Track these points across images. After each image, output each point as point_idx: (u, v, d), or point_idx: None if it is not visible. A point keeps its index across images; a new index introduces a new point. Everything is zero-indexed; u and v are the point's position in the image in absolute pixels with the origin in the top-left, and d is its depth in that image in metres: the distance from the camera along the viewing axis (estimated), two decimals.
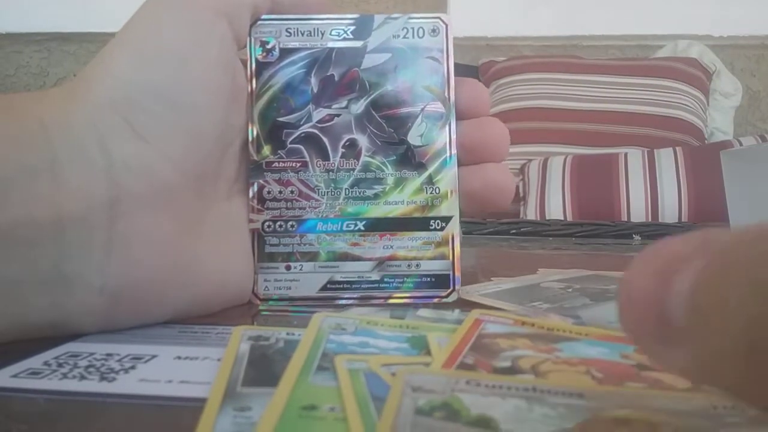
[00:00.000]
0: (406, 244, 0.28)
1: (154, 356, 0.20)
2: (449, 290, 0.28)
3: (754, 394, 0.10)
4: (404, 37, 0.29)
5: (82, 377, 0.18)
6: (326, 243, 0.28)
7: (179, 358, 0.20)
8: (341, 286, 0.28)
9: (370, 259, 0.28)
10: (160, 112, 0.23)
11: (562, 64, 1.63)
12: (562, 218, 1.29)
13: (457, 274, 0.28)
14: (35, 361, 0.20)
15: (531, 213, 1.39)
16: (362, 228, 0.28)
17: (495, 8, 1.82)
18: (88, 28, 1.87)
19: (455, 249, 0.28)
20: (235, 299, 0.28)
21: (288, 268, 0.28)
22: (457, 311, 0.27)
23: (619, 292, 0.12)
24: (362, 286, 0.28)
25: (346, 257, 0.28)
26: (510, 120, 1.58)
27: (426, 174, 0.28)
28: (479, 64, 1.74)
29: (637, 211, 1.23)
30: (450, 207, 0.28)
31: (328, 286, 0.28)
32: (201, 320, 0.25)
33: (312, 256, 0.28)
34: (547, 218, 1.29)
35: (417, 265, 0.28)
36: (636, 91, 1.55)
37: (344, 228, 0.28)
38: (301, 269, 0.28)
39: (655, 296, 0.11)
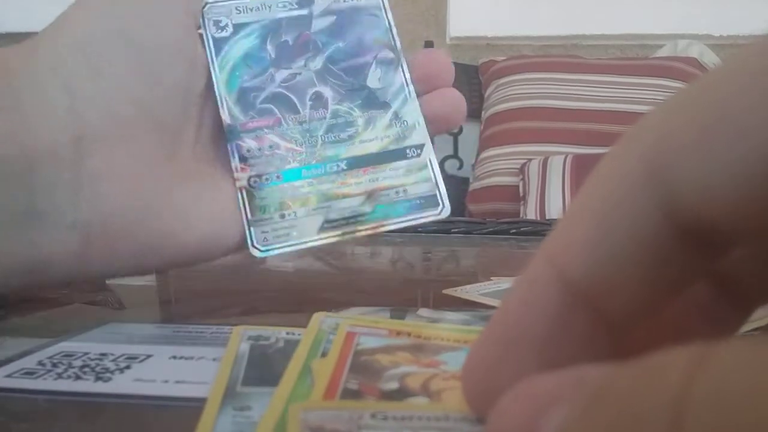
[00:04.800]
0: (389, 174, 0.30)
1: (148, 356, 0.20)
2: (440, 207, 0.30)
3: None
4: (344, 1, 0.31)
5: (77, 377, 0.18)
6: (314, 187, 0.29)
7: (174, 357, 0.20)
8: (337, 223, 0.29)
9: (359, 194, 0.29)
10: (120, 52, 0.25)
11: (562, 63, 1.63)
12: None
13: (443, 192, 0.30)
14: (29, 361, 0.19)
15: (531, 213, 1.39)
16: (345, 167, 0.30)
17: (495, 8, 1.82)
18: None
19: (435, 171, 0.30)
20: (205, 249, 0.28)
21: (282, 216, 0.29)
22: (457, 312, 0.26)
23: (487, 425, 0.11)
24: (357, 219, 0.29)
25: (336, 196, 0.29)
26: (510, 120, 1.58)
27: (391, 110, 0.30)
28: (479, 64, 1.74)
29: None
30: (420, 135, 0.30)
31: (325, 225, 0.29)
32: (196, 320, 0.25)
33: (304, 201, 0.29)
34: (547, 218, 1.28)
35: (404, 191, 0.30)
36: (636, 90, 1.55)
37: (328, 170, 0.29)
38: (295, 216, 0.29)
39: None
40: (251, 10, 0.31)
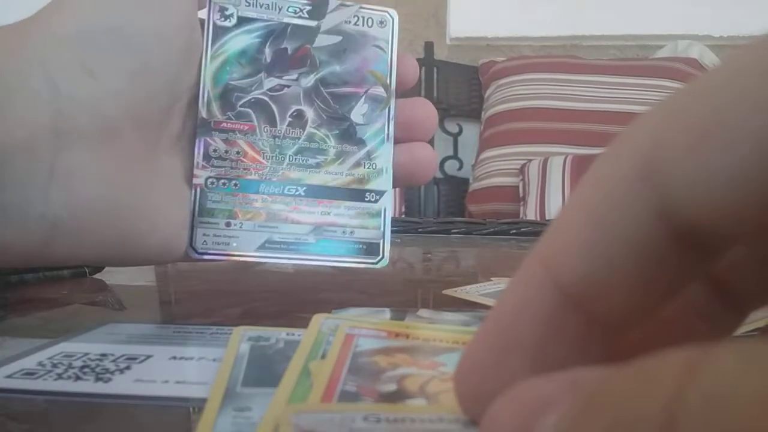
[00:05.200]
0: (342, 212, 0.30)
1: (148, 356, 0.20)
2: (379, 258, 0.30)
3: None
4: (355, 24, 0.31)
5: (78, 378, 0.18)
6: (267, 204, 0.29)
7: (174, 358, 0.20)
8: (278, 246, 0.29)
9: (307, 223, 0.29)
10: (111, 50, 0.24)
11: (562, 64, 1.63)
12: None
13: (387, 244, 0.30)
14: (29, 362, 0.19)
15: (531, 213, 1.39)
16: (302, 193, 0.29)
17: (495, 8, 1.82)
18: None
19: (387, 221, 0.30)
20: (164, 252, 0.28)
21: (228, 224, 0.29)
22: (457, 313, 0.26)
23: (480, 429, 0.11)
24: (299, 248, 0.29)
25: (285, 219, 0.29)
26: (510, 120, 1.58)
27: (365, 150, 0.30)
28: (479, 64, 1.74)
29: None
30: (384, 182, 0.30)
31: (266, 245, 0.29)
32: (196, 320, 0.25)
33: (252, 216, 0.29)
34: (547, 218, 1.28)
35: (351, 233, 0.30)
36: (636, 91, 1.55)
37: (285, 192, 0.29)
38: (240, 227, 0.29)
39: None
40: (261, 6, 0.30)
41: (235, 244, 0.29)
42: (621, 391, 0.09)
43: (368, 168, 0.30)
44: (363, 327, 0.22)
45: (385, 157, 0.30)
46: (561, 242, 0.12)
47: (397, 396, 0.17)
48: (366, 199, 0.30)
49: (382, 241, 0.30)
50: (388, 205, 0.30)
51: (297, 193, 0.29)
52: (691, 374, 0.08)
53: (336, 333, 0.21)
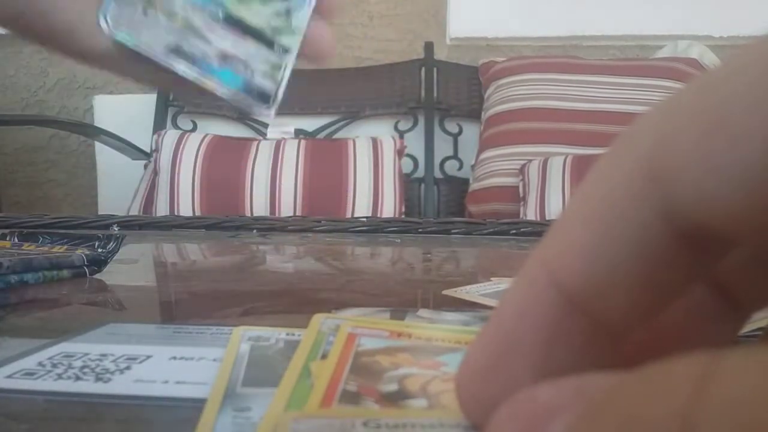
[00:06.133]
0: (250, 51, 0.31)
1: (148, 356, 0.20)
2: (268, 107, 0.32)
3: None
4: None
5: (78, 378, 0.18)
6: (188, 12, 0.30)
7: (174, 358, 0.20)
8: (185, 56, 0.30)
9: (217, 47, 0.31)
10: None
11: (562, 64, 1.63)
12: None
13: (279, 98, 0.32)
14: (29, 362, 0.19)
15: (531, 213, 1.39)
16: (221, 18, 0.31)
17: (495, 8, 1.82)
18: None
19: (285, 78, 0.32)
20: (77, 21, 0.28)
21: (145, 13, 0.30)
22: (457, 313, 0.26)
23: None
24: (203, 66, 0.30)
25: (199, 34, 0.30)
26: (510, 120, 1.58)
27: (288, 3, 0.32)
28: (479, 65, 1.74)
29: None
30: (293, 41, 0.32)
31: (174, 49, 0.30)
32: (196, 320, 0.25)
33: (170, 16, 0.30)
34: (548, 218, 1.28)
35: (252, 73, 0.31)
36: (636, 91, 1.55)
37: (207, 10, 0.30)
38: (156, 21, 0.30)
39: None
40: None
41: (146, 37, 0.29)
42: (634, 396, 0.09)
43: (284, 21, 0.32)
44: (365, 327, 0.22)
45: (302, 19, 0.32)
46: (562, 244, 0.12)
47: (399, 396, 0.17)
48: (274, 49, 0.31)
49: (275, 93, 0.32)
50: (290, 63, 0.32)
51: (216, 16, 0.31)
52: (707, 379, 0.08)
53: (338, 332, 0.21)
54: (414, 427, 0.14)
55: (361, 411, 0.16)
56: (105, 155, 1.73)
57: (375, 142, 1.56)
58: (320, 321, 0.22)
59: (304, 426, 0.14)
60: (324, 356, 0.19)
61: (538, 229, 0.64)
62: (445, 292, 0.32)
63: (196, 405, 0.16)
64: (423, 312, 0.26)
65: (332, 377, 0.18)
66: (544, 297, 0.12)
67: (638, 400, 0.09)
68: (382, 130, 1.68)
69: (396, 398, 0.17)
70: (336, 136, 1.69)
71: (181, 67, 0.30)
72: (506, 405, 0.11)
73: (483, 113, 1.69)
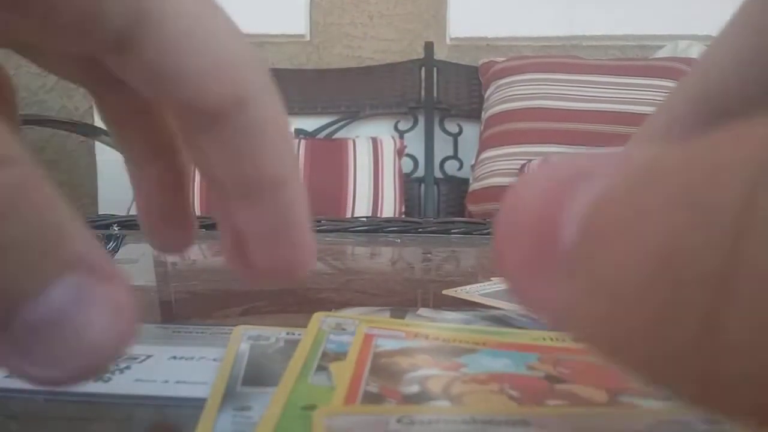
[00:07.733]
0: None
1: (149, 356, 0.20)
2: None
3: (666, 371, 0.07)
4: None
5: None
6: None
7: (174, 358, 0.20)
8: None
9: None
10: None
11: (561, 64, 1.63)
12: None
13: None
14: None
15: None
16: None
17: (495, 8, 1.82)
18: None
19: None
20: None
21: None
22: (457, 312, 0.26)
23: (499, 211, 0.09)
24: None
25: None
26: (510, 120, 1.58)
27: None
28: (479, 64, 1.74)
29: None
30: None
31: None
32: (196, 320, 0.25)
33: None
34: None
35: None
36: (636, 91, 1.54)
37: None
38: None
39: (543, 214, 0.08)
40: None
41: None
42: (696, 154, 0.07)
43: None
44: (382, 327, 0.22)
45: None
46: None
47: (421, 397, 0.17)
48: None
49: None
50: None
51: None
52: None
53: (356, 333, 0.21)
54: (447, 423, 0.15)
55: (394, 408, 0.16)
56: (105, 155, 1.72)
57: (375, 142, 1.57)
58: (320, 320, 0.22)
59: (339, 422, 0.14)
60: (325, 355, 0.19)
61: None
62: (445, 291, 0.32)
63: (196, 404, 0.16)
64: (423, 311, 0.26)
65: (352, 378, 0.18)
66: None
67: (703, 156, 0.07)
68: (382, 130, 1.68)
69: (418, 400, 0.17)
70: (336, 136, 1.69)
71: None
72: (533, 170, 0.09)
73: (483, 113, 1.69)
